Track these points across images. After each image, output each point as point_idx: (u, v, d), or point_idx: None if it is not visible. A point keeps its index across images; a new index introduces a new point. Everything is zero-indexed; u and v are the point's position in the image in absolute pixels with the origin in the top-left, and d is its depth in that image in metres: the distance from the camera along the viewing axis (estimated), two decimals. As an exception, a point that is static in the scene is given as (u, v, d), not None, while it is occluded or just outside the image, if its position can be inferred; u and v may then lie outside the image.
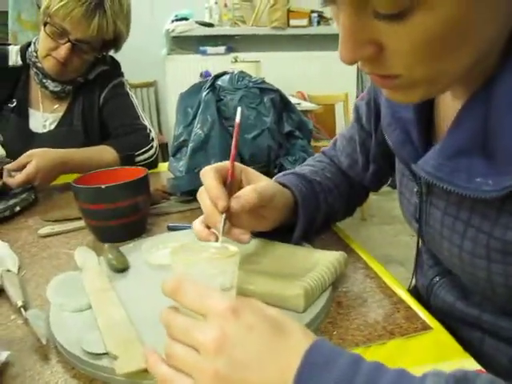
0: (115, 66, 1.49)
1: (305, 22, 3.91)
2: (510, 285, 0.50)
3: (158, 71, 3.90)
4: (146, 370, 0.42)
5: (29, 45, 1.38)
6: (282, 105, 1.07)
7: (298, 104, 2.76)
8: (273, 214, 0.67)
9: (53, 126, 1.41)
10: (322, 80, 3.99)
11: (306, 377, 0.34)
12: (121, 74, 1.49)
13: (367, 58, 0.43)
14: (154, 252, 0.67)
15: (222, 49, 3.86)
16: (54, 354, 0.52)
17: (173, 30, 3.71)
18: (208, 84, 1.03)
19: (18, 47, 1.41)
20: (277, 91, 1.06)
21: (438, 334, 0.53)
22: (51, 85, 1.37)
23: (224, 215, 0.57)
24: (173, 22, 3.78)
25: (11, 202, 1.02)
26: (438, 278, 0.67)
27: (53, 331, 0.53)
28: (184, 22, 3.75)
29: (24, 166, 1.10)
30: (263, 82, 1.06)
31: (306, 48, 4.01)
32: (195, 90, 1.04)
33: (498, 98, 0.44)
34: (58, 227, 0.90)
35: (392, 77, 0.44)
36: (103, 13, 1.23)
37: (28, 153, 1.13)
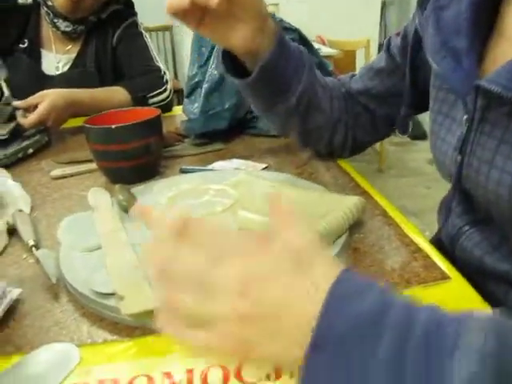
0: (128, 5, 1.44)
1: (327, -38, 3.73)
2: None
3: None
4: (151, 311, 0.41)
5: None
6: (301, 45, 1.02)
7: (318, 49, 2.66)
8: (249, 20, 0.64)
9: (66, 68, 1.38)
10: (342, 25, 3.84)
11: (333, 309, 0.31)
12: (134, 14, 1.44)
13: None
14: (165, 193, 0.65)
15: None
16: (64, 293, 0.52)
17: (189, -29, 3.58)
18: (224, 22, 0.99)
19: None
20: (295, 30, 1.01)
21: (457, 283, 0.51)
22: (62, 25, 1.33)
23: None
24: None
25: (24, 144, 1.01)
26: (467, 228, 0.63)
27: (62, 271, 0.52)
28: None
29: (36, 107, 1.09)
30: (281, 20, 1.01)
31: (327, -9, 3.84)
32: (210, 28, 0.99)
33: None
34: (70, 169, 0.89)
35: None
36: None
37: (40, 93, 1.12)
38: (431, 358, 0.29)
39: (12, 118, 1.08)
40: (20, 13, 1.36)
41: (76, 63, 1.38)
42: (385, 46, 0.79)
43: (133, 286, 0.46)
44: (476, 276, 0.57)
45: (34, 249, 0.59)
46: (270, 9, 3.13)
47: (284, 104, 0.73)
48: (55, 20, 1.32)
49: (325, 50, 2.75)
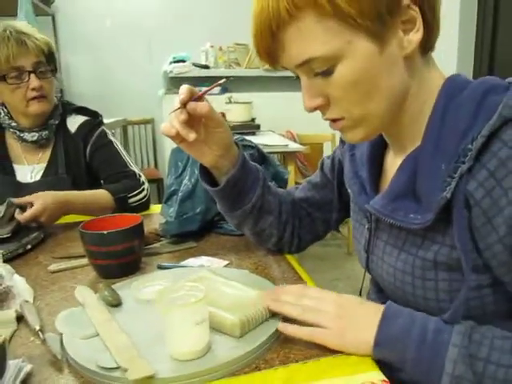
0: (95, 116, 1.59)
1: (295, 64, 4.13)
2: (428, 297, 0.69)
3: (156, 109, 4.10)
4: (150, 377, 0.59)
5: None
6: (260, 159, 1.24)
7: (286, 145, 2.92)
8: (216, 149, 0.87)
9: (38, 176, 1.50)
10: (310, 120, 4.15)
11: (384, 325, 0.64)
12: (101, 123, 1.59)
13: (321, 107, 0.67)
14: (142, 289, 0.82)
15: (217, 89, 4.06)
16: (66, 368, 0.67)
17: (171, 71, 3.92)
18: (196, 141, 1.21)
19: None
20: (255, 147, 1.23)
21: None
22: (29, 136, 1.47)
23: (180, 107, 0.79)
24: (171, 63, 3.99)
25: (23, 241, 1.16)
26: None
27: (68, 352, 0.67)
28: (181, 63, 3.96)
29: (32, 205, 1.24)
30: (243, 139, 1.23)
31: (296, 89, 4.19)
32: (185, 146, 1.21)
33: (422, 161, 0.65)
34: (65, 264, 1.05)
35: (340, 119, 0.67)
36: (25, 34, 1.38)
37: (34, 194, 1.27)
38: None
39: (13, 217, 1.22)
40: None
41: (47, 172, 1.50)
42: (319, 165, 1.02)
43: (131, 360, 0.62)
44: None
45: (40, 333, 0.74)
46: (244, 108, 3.45)
47: (242, 208, 0.93)
48: (21, 135, 1.47)
49: (293, 146, 2.99)
